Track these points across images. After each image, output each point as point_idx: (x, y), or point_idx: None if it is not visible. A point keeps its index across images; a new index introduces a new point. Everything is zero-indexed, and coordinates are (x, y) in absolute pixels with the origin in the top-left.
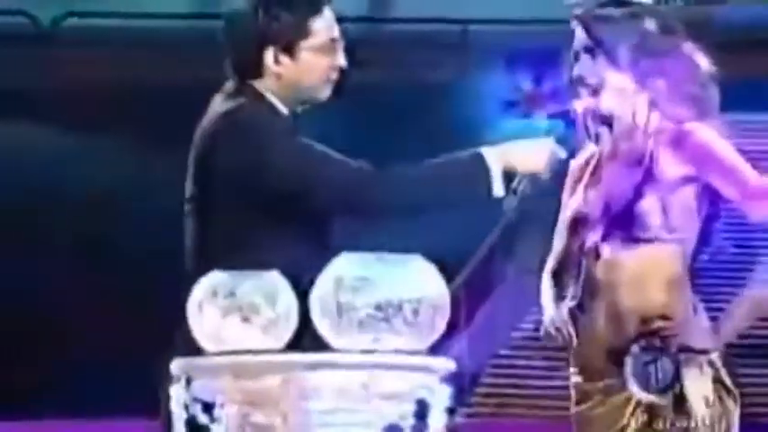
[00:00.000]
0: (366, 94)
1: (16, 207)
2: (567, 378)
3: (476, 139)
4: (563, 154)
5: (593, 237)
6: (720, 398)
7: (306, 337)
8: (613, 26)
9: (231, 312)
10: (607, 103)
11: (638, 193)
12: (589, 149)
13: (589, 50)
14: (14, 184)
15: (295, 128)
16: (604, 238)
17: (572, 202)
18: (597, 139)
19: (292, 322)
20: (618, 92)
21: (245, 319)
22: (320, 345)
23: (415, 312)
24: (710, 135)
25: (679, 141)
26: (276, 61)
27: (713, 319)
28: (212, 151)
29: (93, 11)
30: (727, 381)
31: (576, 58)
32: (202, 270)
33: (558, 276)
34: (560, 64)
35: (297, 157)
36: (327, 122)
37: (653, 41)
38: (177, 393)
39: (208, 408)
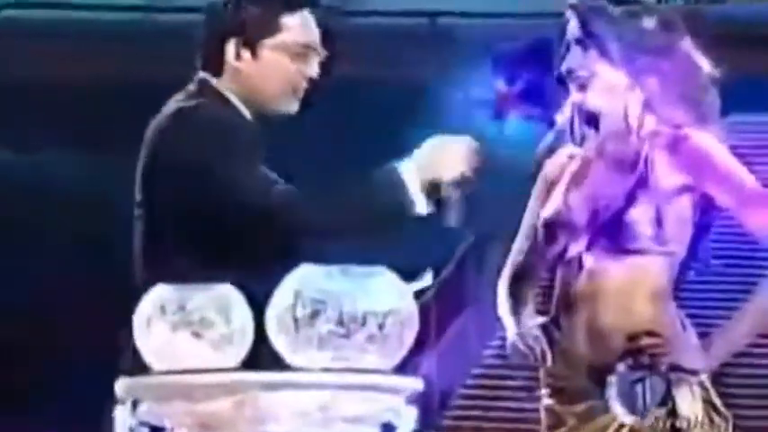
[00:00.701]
0: (334, 90)
1: None
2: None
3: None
4: (478, 147)
5: (576, 246)
6: (711, 420)
7: (262, 355)
8: (609, 19)
9: (181, 328)
10: (595, 99)
11: (629, 201)
12: (566, 150)
13: (581, 42)
14: None
15: (258, 136)
16: (589, 247)
17: (548, 207)
18: (582, 141)
19: (247, 338)
20: (608, 88)
21: (197, 335)
22: (277, 363)
23: (381, 327)
24: (707, 141)
25: (675, 147)
26: (237, 56)
27: (700, 335)
28: (163, 151)
29: (31, 1)
30: (718, 402)
31: (567, 49)
32: (151, 281)
33: (519, 286)
34: (536, 62)
35: (242, 173)
36: (302, 124)
37: (650, 39)
38: (122, 417)
39: None
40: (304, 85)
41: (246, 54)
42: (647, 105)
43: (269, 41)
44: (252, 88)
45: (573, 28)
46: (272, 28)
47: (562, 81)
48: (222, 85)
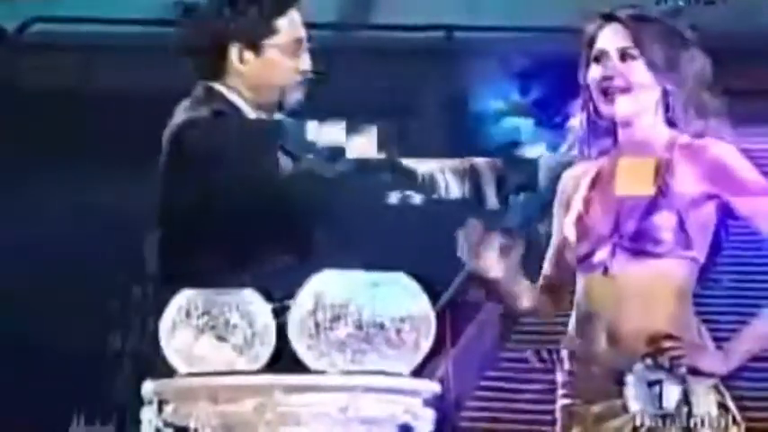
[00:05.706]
0: (347, 104)
1: None
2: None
3: (463, 149)
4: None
5: (601, 252)
6: (725, 426)
7: (283, 358)
8: (657, 27)
9: (206, 331)
10: (625, 108)
11: (651, 208)
12: (582, 162)
13: (624, 52)
14: None
15: (263, 131)
16: (612, 253)
17: (569, 217)
18: (598, 153)
19: (269, 342)
20: (641, 97)
21: (221, 338)
22: (298, 366)
23: (399, 332)
24: (726, 150)
25: (696, 156)
26: (241, 59)
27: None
28: (169, 163)
29: (58, 16)
30: (732, 406)
31: (600, 59)
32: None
33: (553, 296)
34: (549, 72)
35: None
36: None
37: (684, 46)
38: (148, 417)
39: None
40: (301, 78)
41: (250, 56)
42: (673, 114)
43: (269, 42)
44: (258, 85)
45: (612, 37)
46: (269, 30)
47: (585, 90)
48: (225, 87)
